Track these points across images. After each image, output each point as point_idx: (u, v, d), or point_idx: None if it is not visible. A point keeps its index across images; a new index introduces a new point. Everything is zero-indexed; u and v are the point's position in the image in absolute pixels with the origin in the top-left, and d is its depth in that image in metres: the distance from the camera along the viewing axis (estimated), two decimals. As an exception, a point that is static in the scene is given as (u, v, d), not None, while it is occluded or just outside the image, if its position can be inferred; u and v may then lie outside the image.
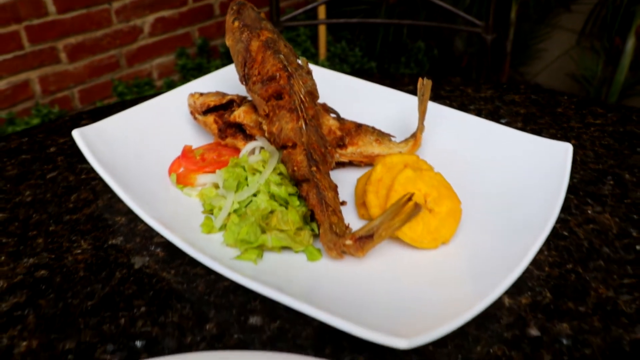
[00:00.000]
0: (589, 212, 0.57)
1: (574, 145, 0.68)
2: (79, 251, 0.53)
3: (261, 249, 0.48)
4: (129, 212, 0.57)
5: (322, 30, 2.31)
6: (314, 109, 0.56)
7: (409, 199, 0.46)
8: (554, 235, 0.53)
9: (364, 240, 0.45)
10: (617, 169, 0.63)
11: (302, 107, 0.54)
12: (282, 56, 0.58)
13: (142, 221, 0.56)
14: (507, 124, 0.72)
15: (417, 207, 0.46)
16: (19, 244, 0.54)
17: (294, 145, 0.53)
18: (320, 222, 0.48)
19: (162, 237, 0.53)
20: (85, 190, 0.62)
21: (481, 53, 1.32)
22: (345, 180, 0.58)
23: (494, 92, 0.82)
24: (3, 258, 0.52)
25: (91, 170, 0.65)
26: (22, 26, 1.97)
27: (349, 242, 0.45)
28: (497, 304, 0.45)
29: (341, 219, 0.48)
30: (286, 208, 0.50)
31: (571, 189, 0.60)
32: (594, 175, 0.62)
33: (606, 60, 2.61)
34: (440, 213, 0.49)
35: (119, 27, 2.24)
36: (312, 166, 0.51)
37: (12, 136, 0.74)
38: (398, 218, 0.46)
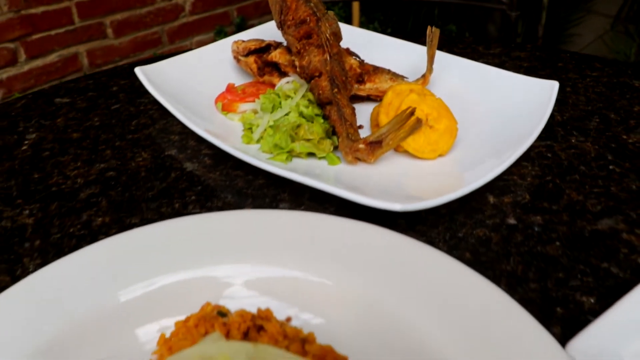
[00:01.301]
0: (573, 140, 0.65)
1: (568, 92, 0.77)
2: (140, 159, 0.64)
3: (291, 154, 0.59)
4: (182, 132, 0.68)
5: (355, 10, 2.40)
6: (337, 47, 0.66)
7: (412, 113, 0.56)
8: (539, 156, 0.62)
9: (374, 146, 0.55)
10: (605, 110, 0.72)
11: (327, 43, 0.65)
12: (312, 4, 0.68)
13: (192, 138, 0.67)
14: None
15: (419, 121, 0.56)
16: (91, 154, 0.66)
17: (320, 75, 0.63)
18: (339, 133, 0.58)
19: (208, 149, 0.64)
20: (144, 118, 0.73)
21: (508, 34, 1.41)
22: (363, 111, 0.68)
23: (502, 50, 0.91)
24: (79, 164, 0.64)
25: (149, 103, 0.77)
26: (73, 3, 2.12)
27: (361, 145, 0.55)
28: (483, 201, 0.55)
29: (356, 130, 0.59)
30: (312, 123, 0.60)
31: (559, 124, 0.69)
32: (583, 114, 0.71)
33: (640, 44, 2.63)
34: (439, 129, 0.59)
35: (161, 5, 2.37)
36: (335, 89, 0.61)
37: (81, 78, 0.86)
38: (403, 130, 0.56)
